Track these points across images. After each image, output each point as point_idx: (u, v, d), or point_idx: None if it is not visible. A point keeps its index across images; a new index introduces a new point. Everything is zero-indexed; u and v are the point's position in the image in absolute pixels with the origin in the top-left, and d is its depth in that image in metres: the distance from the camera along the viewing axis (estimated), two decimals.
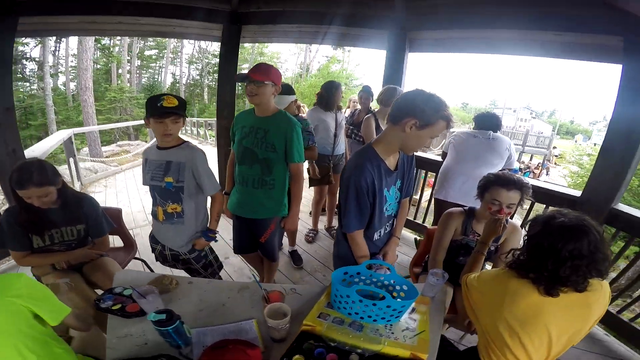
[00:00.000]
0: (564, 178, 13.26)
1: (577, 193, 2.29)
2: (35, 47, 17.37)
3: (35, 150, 3.28)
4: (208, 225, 1.74)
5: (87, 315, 1.25)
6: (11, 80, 2.61)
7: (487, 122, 2.54)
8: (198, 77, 28.76)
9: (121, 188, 5.54)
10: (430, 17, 2.73)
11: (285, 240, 2.86)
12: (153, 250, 1.80)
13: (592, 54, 2.26)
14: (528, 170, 18.83)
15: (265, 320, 1.01)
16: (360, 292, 1.06)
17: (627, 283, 2.20)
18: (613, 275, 2.43)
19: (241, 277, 2.55)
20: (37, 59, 17.69)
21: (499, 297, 1.03)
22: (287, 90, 2.29)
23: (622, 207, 2.08)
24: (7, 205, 2.41)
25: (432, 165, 3.14)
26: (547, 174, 19.10)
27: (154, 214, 1.69)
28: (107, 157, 10.15)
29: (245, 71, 1.68)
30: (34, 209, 1.47)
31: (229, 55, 3.43)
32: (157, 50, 25.98)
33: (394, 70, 3.00)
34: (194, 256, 1.72)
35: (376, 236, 1.40)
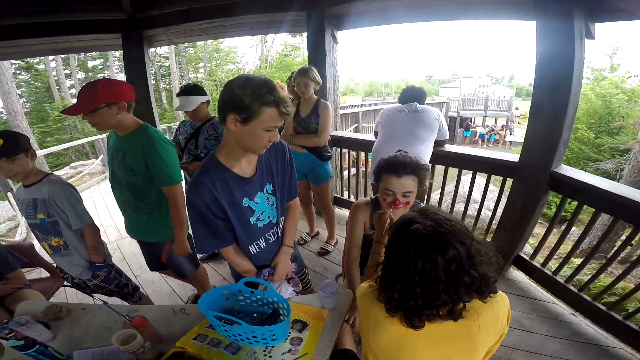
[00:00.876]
0: None
1: (515, 158, 2.16)
2: None
3: None
4: (90, 258, 1.67)
5: None
6: None
7: (411, 95, 2.42)
8: (153, 82, 27.47)
9: None
10: None
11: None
12: (66, 280, 1.83)
13: (506, 13, 2.16)
14: (493, 132, 19.51)
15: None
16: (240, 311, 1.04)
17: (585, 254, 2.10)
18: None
19: (184, 291, 2.50)
20: None
21: (365, 323, 0.88)
22: (195, 90, 2.10)
23: (565, 169, 1.96)
24: None
25: (364, 146, 3.02)
26: (511, 134, 19.82)
27: (45, 249, 1.67)
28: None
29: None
30: None
31: (134, 63, 3.23)
32: (102, 60, 24.48)
33: (318, 51, 2.83)
34: (99, 281, 1.73)
35: (253, 249, 1.25)
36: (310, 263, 2.73)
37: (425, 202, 2.91)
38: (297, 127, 2.48)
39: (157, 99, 27.11)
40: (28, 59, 17.96)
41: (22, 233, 4.68)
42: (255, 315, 1.18)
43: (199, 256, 2.22)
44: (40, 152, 9.46)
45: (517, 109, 25.38)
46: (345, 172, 3.66)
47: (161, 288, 2.59)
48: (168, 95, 26.64)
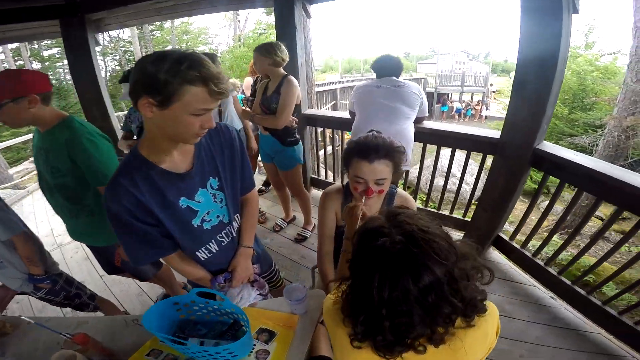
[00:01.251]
0: (502, 111, 14.05)
1: (497, 134, 2.06)
2: None
3: None
4: (29, 270, 1.52)
5: None
6: None
7: (388, 68, 2.18)
8: (118, 68, 26.00)
9: (28, 214, 4.64)
10: None
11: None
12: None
13: None
14: (469, 107, 19.84)
15: None
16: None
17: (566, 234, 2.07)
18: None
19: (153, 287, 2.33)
20: None
21: (332, 340, 0.75)
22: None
23: (548, 145, 1.87)
24: None
25: (341, 124, 2.88)
26: (487, 109, 20.19)
27: None
28: (21, 177, 8.89)
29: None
30: None
31: (77, 50, 2.92)
32: (59, 48, 22.74)
33: (286, 25, 2.58)
34: (43, 294, 1.60)
35: (202, 255, 1.07)
36: (286, 251, 2.59)
37: (402, 185, 2.81)
38: (261, 106, 2.24)
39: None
40: None
41: None
42: (215, 324, 1.05)
43: None
44: None
45: (492, 85, 25.89)
46: (322, 152, 3.50)
47: (129, 288, 2.40)
48: None
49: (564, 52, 1.64)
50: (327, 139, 3.27)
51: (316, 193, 3.43)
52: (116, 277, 2.39)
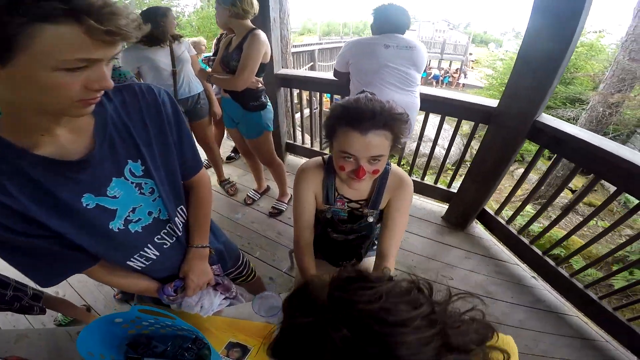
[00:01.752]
0: (479, 80, 14.05)
1: (494, 103, 1.87)
2: None
3: None
4: None
5: None
6: None
7: (395, 22, 1.79)
8: None
9: None
10: None
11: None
12: None
13: None
14: (447, 75, 19.79)
15: None
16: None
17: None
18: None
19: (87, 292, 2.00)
20: None
21: None
22: None
23: (547, 118, 1.71)
24: None
25: (319, 85, 2.59)
26: (465, 77, 20.28)
27: None
28: None
29: None
30: None
31: None
32: None
33: None
34: None
35: (137, 265, 0.81)
36: (260, 227, 2.37)
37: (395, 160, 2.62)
38: (221, 64, 1.91)
39: None
40: None
41: None
42: (175, 339, 0.88)
43: None
44: None
45: (471, 54, 25.87)
46: (298, 115, 3.19)
47: (86, 280, 2.00)
48: None
49: (581, 26, 1.43)
50: (305, 102, 2.96)
51: (292, 160, 3.17)
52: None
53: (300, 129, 3.26)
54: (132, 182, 0.71)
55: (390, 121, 0.80)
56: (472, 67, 23.74)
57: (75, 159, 0.61)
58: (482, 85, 12.84)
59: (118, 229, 0.71)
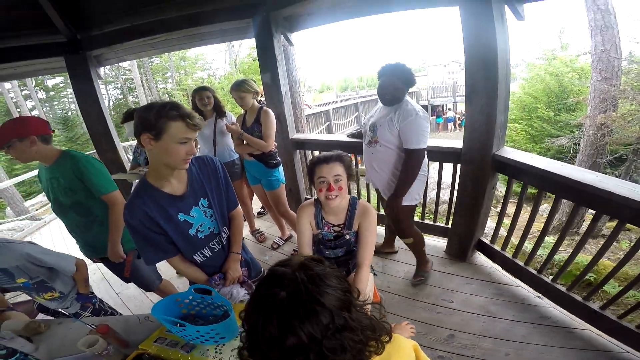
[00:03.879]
0: None
1: (460, 144, 2.20)
2: None
3: None
4: (79, 290, 1.74)
5: None
6: None
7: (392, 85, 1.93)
8: (121, 97, 26.69)
9: (47, 242, 5.02)
10: None
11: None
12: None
13: (430, 2, 2.23)
14: (463, 118, 19.89)
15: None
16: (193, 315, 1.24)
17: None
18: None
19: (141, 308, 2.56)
20: None
21: None
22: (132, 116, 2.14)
23: (507, 151, 2.03)
24: None
25: (330, 147, 3.02)
26: None
27: (33, 297, 1.70)
28: (36, 210, 9.13)
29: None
30: None
31: (82, 84, 3.13)
32: (62, 78, 23.41)
33: (268, 56, 2.80)
34: (89, 313, 1.79)
35: (198, 258, 1.36)
36: None
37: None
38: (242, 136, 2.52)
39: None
40: None
41: None
42: (211, 318, 1.29)
43: None
44: (9, 182, 9.00)
45: None
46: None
47: (142, 303, 2.63)
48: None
49: (503, 57, 1.83)
50: None
51: None
52: (130, 294, 2.70)
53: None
54: (202, 210, 1.30)
55: (338, 157, 1.37)
56: None
57: (178, 195, 1.23)
58: None
59: (192, 234, 1.27)
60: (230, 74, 23.75)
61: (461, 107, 21.73)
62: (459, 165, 2.31)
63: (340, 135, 2.80)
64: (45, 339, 1.43)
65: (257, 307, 0.58)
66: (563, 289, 1.91)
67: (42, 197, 10.51)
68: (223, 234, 1.40)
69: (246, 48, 23.93)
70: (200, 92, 2.69)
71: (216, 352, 1.14)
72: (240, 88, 2.39)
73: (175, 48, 3.31)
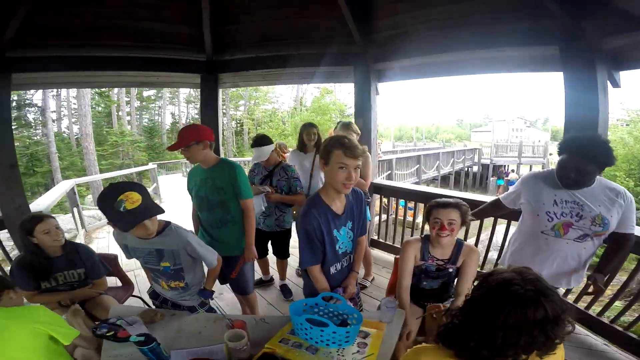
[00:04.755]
0: None
1: None
2: (35, 92, 17.69)
3: (40, 204, 3.37)
4: (205, 286, 1.74)
5: (92, 339, 1.48)
6: (12, 136, 2.82)
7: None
8: (197, 116, 29.64)
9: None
10: (390, 47, 2.98)
11: (276, 274, 3.00)
12: (153, 302, 1.85)
13: (534, 66, 2.49)
14: None
15: (225, 342, 1.21)
16: (312, 320, 1.25)
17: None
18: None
19: (233, 311, 2.61)
20: (38, 105, 18.13)
21: None
22: (265, 141, 2.53)
23: None
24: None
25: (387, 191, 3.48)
26: None
27: (157, 282, 1.71)
28: None
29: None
30: (43, 255, 1.80)
31: (208, 103, 3.65)
32: (155, 91, 26.86)
33: (363, 103, 3.23)
34: (205, 310, 1.79)
35: (332, 270, 1.55)
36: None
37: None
38: None
39: None
40: None
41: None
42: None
43: None
44: (98, 177, 10.49)
45: (551, 154, 24.09)
46: (377, 218, 3.87)
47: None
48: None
49: (603, 123, 1.98)
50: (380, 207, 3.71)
51: (375, 253, 3.62)
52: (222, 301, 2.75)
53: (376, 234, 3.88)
54: (347, 230, 1.54)
55: (456, 204, 1.61)
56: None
57: (339, 213, 1.48)
58: None
59: (337, 248, 1.51)
60: (294, 109, 25.50)
61: (524, 170, 20.42)
62: None
63: (417, 185, 3.01)
64: (158, 329, 1.42)
65: (508, 298, 0.76)
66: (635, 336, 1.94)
67: None
68: (351, 255, 1.63)
69: (312, 87, 25.75)
70: (309, 129, 2.93)
71: (339, 354, 1.22)
72: (351, 128, 2.68)
73: (280, 82, 3.85)
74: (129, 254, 1.64)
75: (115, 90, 21.38)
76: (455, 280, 1.75)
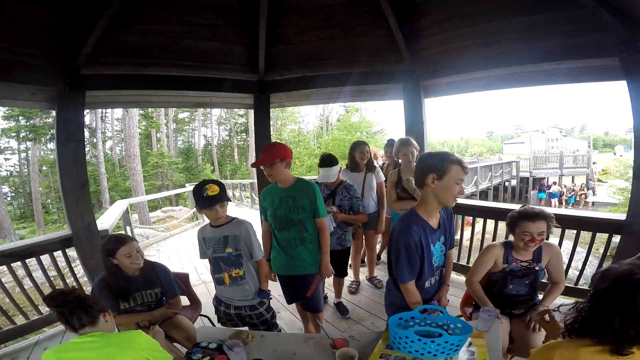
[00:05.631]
0: (612, 196, 12.21)
1: (622, 217, 2.25)
2: (86, 113, 18.77)
3: (105, 223, 3.59)
4: (260, 287, 1.92)
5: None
6: (85, 156, 2.83)
7: None
8: (227, 138, 30.77)
9: (172, 252, 6.03)
10: (439, 64, 3.01)
11: (332, 292, 2.98)
12: (217, 311, 2.01)
13: (592, 76, 2.48)
14: (573, 194, 17.46)
15: None
16: (417, 332, 1.24)
17: None
18: None
19: (293, 329, 2.63)
20: (88, 125, 18.84)
21: None
22: (333, 161, 2.54)
23: None
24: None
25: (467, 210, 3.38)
26: (594, 194, 17.73)
27: (220, 280, 1.89)
28: (154, 222, 10.90)
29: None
30: (122, 276, 1.83)
31: (262, 123, 3.73)
32: (189, 113, 28.16)
33: (414, 119, 3.26)
34: (264, 309, 1.94)
35: (427, 284, 1.56)
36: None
37: None
38: (400, 192, 2.74)
39: (229, 154, 29.89)
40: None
41: None
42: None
43: None
44: (148, 197, 11.04)
45: (595, 163, 22.54)
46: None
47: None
48: (239, 151, 29.46)
49: None
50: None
51: None
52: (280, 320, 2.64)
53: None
54: (440, 244, 1.56)
55: (544, 216, 1.61)
56: (598, 180, 20.87)
57: (435, 228, 1.50)
58: (616, 202, 11.20)
59: (432, 262, 1.51)
60: (320, 128, 25.78)
61: (567, 181, 19.27)
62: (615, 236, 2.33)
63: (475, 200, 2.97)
64: (251, 351, 1.39)
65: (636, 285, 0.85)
66: None
67: (159, 213, 12.41)
68: (442, 268, 1.65)
69: (339, 105, 25.90)
70: (361, 146, 2.96)
71: None
72: (412, 144, 2.70)
73: (323, 102, 3.94)
74: (204, 248, 1.90)
75: (155, 112, 22.21)
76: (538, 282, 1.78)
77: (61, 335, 2.55)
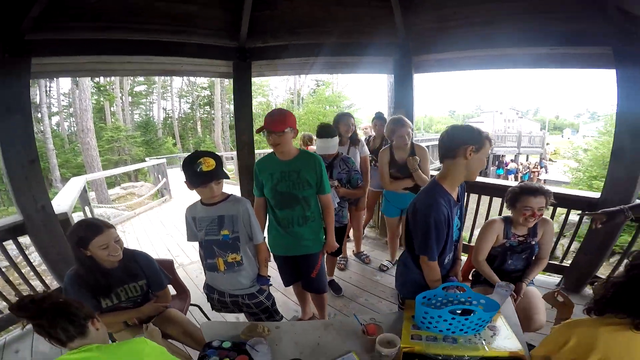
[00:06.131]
0: (564, 174, 13.26)
1: (596, 195, 2.40)
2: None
3: (62, 205, 3.05)
4: (259, 272, 1.76)
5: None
6: (32, 128, 2.41)
7: None
8: (189, 111, 29.03)
9: (140, 233, 5.38)
10: (433, 40, 2.91)
11: None
12: (209, 299, 1.83)
13: (582, 63, 2.52)
14: (528, 171, 18.89)
15: (378, 350, 1.18)
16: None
17: None
18: None
19: (287, 311, 2.57)
20: (32, 101, 17.41)
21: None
22: (332, 132, 2.37)
23: None
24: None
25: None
26: (546, 172, 19.28)
27: (213, 266, 1.68)
28: (113, 200, 10.13)
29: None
30: (99, 269, 1.53)
31: (243, 92, 3.39)
32: (146, 86, 26.23)
33: (403, 94, 3.18)
34: (254, 301, 1.75)
35: (446, 260, 1.54)
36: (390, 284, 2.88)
37: None
38: (395, 172, 2.63)
39: (192, 127, 28.36)
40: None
41: None
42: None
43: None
44: (101, 174, 10.18)
45: (548, 144, 24.63)
46: None
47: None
48: (203, 124, 28.02)
49: None
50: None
51: None
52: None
53: None
54: (457, 219, 1.50)
55: (544, 192, 1.67)
56: (549, 159, 22.76)
57: (456, 202, 1.45)
58: (568, 180, 12.16)
59: (451, 235, 1.45)
60: (290, 102, 25.03)
61: (522, 159, 20.80)
62: None
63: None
64: (270, 344, 1.27)
65: None
66: None
67: (118, 190, 11.57)
68: (457, 243, 1.61)
69: (310, 79, 25.33)
70: (346, 119, 2.81)
71: (478, 339, 1.21)
72: (408, 125, 2.53)
73: (310, 71, 3.71)
74: (195, 229, 1.68)
75: (109, 85, 20.84)
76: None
77: (31, 334, 2.22)
